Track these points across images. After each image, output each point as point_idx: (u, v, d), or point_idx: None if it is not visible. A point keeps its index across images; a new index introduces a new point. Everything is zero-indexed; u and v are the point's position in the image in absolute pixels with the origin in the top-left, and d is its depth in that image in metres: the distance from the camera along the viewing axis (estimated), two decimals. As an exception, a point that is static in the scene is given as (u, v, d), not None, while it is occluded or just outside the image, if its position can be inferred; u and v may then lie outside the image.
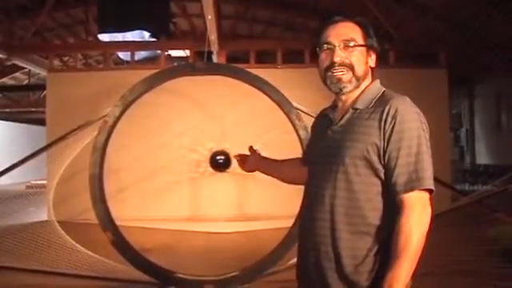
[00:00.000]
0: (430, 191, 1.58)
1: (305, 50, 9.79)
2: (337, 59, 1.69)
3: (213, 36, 8.40)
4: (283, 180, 2.20)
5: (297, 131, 4.56)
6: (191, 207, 9.02)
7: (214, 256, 6.49)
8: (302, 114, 4.79)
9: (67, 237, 5.43)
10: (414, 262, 1.51)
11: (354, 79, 1.71)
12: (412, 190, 1.55)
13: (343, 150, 1.66)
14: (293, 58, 10.14)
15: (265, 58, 10.55)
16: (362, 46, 1.70)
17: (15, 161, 6.02)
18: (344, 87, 1.72)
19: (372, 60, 1.75)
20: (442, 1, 8.94)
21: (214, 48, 9.24)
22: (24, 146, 13.96)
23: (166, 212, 8.72)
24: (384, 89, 1.75)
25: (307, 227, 1.75)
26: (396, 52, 9.86)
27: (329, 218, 1.66)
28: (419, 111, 1.64)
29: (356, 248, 1.61)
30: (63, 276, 4.85)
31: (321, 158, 1.77)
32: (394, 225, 1.54)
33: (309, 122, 4.85)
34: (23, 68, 13.71)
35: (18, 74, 16.13)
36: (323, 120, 1.87)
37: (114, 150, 8.71)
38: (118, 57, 12.75)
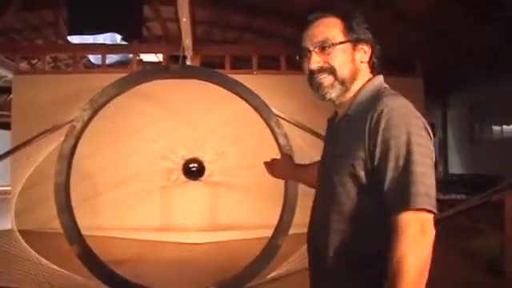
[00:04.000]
0: (429, 210, 1.32)
1: (280, 56, 9.63)
2: (313, 66, 1.52)
3: (187, 40, 8.17)
4: (313, 186, 1.81)
5: (276, 138, 4.37)
6: (163, 216, 8.71)
7: (186, 268, 6.28)
8: (282, 121, 4.61)
9: (29, 248, 5.08)
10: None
11: (336, 83, 1.52)
12: (403, 209, 1.31)
13: (332, 167, 1.50)
14: (268, 64, 9.99)
15: (240, 65, 10.34)
16: (341, 43, 1.50)
17: None
18: (326, 93, 1.53)
19: (364, 54, 1.54)
20: (419, 8, 8.90)
21: (189, 53, 9.01)
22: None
23: (137, 221, 8.41)
24: (383, 87, 1.54)
25: (309, 240, 1.63)
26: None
27: (323, 240, 1.51)
28: (413, 113, 1.41)
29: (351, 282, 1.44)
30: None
31: (320, 173, 1.64)
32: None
33: (288, 129, 4.83)
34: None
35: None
36: (328, 130, 1.71)
37: (84, 156, 8.50)
38: (88, 61, 12.45)
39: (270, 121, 4.39)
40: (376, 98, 1.47)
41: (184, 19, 7.00)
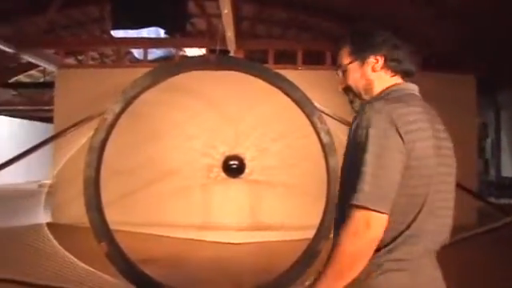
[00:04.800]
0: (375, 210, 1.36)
1: (326, 52, 9.28)
2: (339, 87, 1.74)
3: (229, 33, 7.91)
4: None
5: (318, 135, 4.03)
6: (201, 214, 8.48)
7: (223, 270, 6.03)
8: (325, 117, 4.27)
9: (58, 245, 4.93)
10: (335, 280, 1.38)
11: (355, 98, 1.69)
12: (351, 204, 1.38)
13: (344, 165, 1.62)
14: (312, 60, 9.64)
15: (283, 60, 10.03)
16: (347, 64, 1.68)
17: (28, 159, 5.62)
18: (353, 107, 1.72)
19: (376, 64, 1.62)
20: (472, 5, 8.35)
21: (231, 47, 8.74)
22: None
23: (175, 218, 8.22)
24: (387, 93, 1.59)
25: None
26: (422, 55, 9.25)
27: None
28: (383, 114, 1.43)
29: None
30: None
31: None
32: None
33: (332, 125, 4.51)
34: (38, 66, 13.44)
35: (33, 72, 15.88)
36: None
37: (123, 150, 8.44)
38: (133, 56, 12.42)
39: (312, 116, 4.08)
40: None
41: (225, 11, 6.75)
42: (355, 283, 1.40)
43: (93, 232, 4.09)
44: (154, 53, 11.04)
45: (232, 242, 7.42)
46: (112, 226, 7.45)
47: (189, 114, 8.59)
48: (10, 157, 5.90)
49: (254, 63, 4.53)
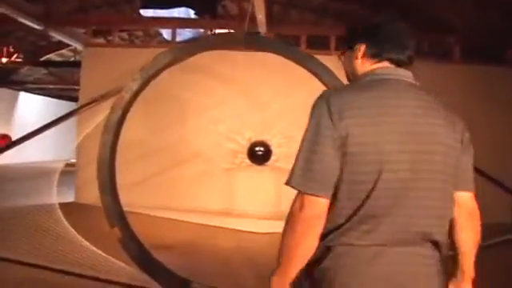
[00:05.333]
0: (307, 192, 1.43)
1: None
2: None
3: (260, 15, 7.62)
4: None
5: None
6: (224, 200, 8.27)
7: (245, 260, 5.75)
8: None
9: (70, 227, 4.75)
10: (284, 264, 1.46)
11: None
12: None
13: None
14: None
15: (316, 47, 9.68)
16: (341, 54, 1.76)
17: (57, 138, 5.47)
18: None
19: (359, 52, 1.64)
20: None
21: (262, 29, 8.44)
22: (68, 123, 13.71)
23: (197, 203, 8.05)
24: (359, 80, 1.63)
25: None
26: (461, 46, 8.99)
27: None
28: (322, 98, 1.50)
29: None
30: (61, 273, 4.17)
31: None
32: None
33: None
34: (69, 45, 13.40)
35: (64, 51, 15.88)
36: None
37: (147, 132, 8.28)
38: (163, 38, 12.24)
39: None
40: None
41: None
42: (309, 266, 1.47)
43: (106, 216, 3.88)
44: (184, 34, 10.81)
45: (255, 231, 7.15)
46: (131, 209, 7.39)
47: (216, 98, 8.39)
48: (39, 136, 5.80)
49: (284, 44, 4.23)
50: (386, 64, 1.59)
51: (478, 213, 1.64)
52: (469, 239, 1.63)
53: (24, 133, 6.41)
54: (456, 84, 8.16)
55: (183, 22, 9.67)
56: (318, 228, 1.43)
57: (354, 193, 1.42)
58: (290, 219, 1.43)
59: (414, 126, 1.46)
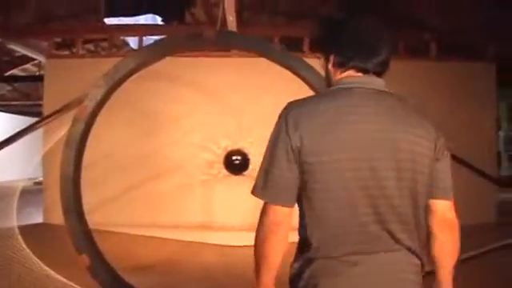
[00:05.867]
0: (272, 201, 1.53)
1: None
2: None
3: (231, 17, 7.26)
4: None
5: None
6: (202, 214, 7.83)
7: (227, 275, 5.50)
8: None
9: (31, 255, 4.30)
10: (257, 266, 1.56)
11: None
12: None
13: None
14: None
15: (289, 49, 9.39)
16: (321, 60, 1.73)
17: (23, 156, 5.03)
18: None
19: (328, 63, 1.66)
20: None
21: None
22: (35, 139, 13.16)
23: (174, 218, 7.60)
24: (329, 88, 1.67)
25: None
26: (438, 43, 8.70)
27: None
28: (285, 109, 1.56)
29: None
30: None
31: None
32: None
33: None
34: (34, 59, 12.88)
35: (28, 66, 15.27)
36: None
37: (116, 146, 7.84)
38: (129, 48, 11.82)
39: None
40: None
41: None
42: (293, 278, 1.56)
43: (72, 241, 3.45)
44: (149, 41, 10.42)
45: (235, 244, 6.78)
46: (104, 228, 7.00)
47: (187, 106, 7.99)
48: (4, 154, 5.35)
49: (259, 40, 3.89)
50: (351, 73, 1.59)
51: (456, 222, 1.61)
52: (446, 252, 1.60)
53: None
54: (433, 81, 7.96)
55: (150, 29, 9.26)
56: (280, 233, 1.51)
57: (316, 201, 1.47)
58: (257, 225, 1.54)
59: (374, 133, 1.46)
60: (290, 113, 1.50)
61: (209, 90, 8.01)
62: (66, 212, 3.46)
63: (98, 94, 3.53)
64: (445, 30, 8.63)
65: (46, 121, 4.66)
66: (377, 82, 1.55)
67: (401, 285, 1.48)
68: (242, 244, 6.66)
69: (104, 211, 7.44)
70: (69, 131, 3.57)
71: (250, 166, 7.77)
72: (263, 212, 1.53)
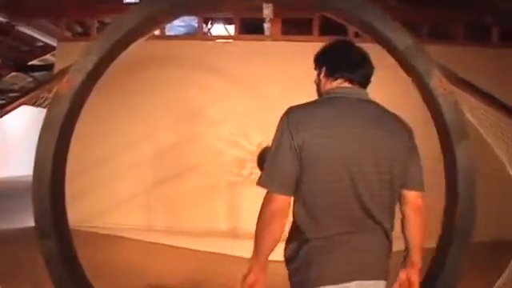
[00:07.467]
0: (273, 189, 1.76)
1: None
2: None
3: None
4: None
5: (438, 108, 2.29)
6: (229, 221, 6.91)
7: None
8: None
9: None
10: (257, 247, 1.77)
11: None
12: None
13: None
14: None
15: (330, 32, 8.31)
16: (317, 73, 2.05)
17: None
18: None
19: (321, 75, 1.99)
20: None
21: (268, 13, 7.10)
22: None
23: (196, 225, 6.71)
24: (320, 97, 1.99)
25: None
26: (501, 27, 7.73)
27: None
28: (287, 113, 1.80)
29: None
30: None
31: None
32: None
33: None
34: (54, 48, 12.20)
35: (48, 57, 14.63)
36: None
37: (132, 141, 6.91)
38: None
39: (428, 77, 2.32)
40: None
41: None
42: (290, 258, 1.82)
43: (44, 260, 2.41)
44: (175, 29, 9.44)
45: (271, 258, 5.71)
46: (114, 233, 6.24)
47: (214, 95, 7.10)
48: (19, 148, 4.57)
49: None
50: (339, 82, 1.90)
51: (424, 209, 1.91)
52: (416, 234, 1.91)
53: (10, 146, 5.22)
54: (493, 69, 6.91)
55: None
56: (280, 218, 1.75)
57: (311, 191, 1.74)
58: (260, 211, 1.76)
59: (359, 135, 1.75)
60: (291, 117, 1.78)
61: (240, 77, 7.10)
62: (40, 230, 2.42)
63: (87, 62, 2.49)
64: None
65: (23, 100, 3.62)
66: (361, 92, 1.88)
67: (379, 257, 1.80)
68: (273, 258, 5.64)
69: (115, 215, 6.78)
70: (48, 112, 2.54)
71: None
72: (266, 200, 1.75)
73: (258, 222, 1.75)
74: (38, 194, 2.45)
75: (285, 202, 1.74)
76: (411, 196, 1.88)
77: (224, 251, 5.95)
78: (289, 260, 1.81)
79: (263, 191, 1.84)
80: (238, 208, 6.87)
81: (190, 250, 6.06)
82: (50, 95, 2.96)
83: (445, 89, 2.35)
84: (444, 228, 2.64)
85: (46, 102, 3.21)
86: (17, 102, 3.30)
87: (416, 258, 1.93)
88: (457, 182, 2.40)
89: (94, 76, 2.57)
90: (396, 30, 2.47)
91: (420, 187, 1.89)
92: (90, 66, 2.53)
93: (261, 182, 1.77)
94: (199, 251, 6.03)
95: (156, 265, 5.38)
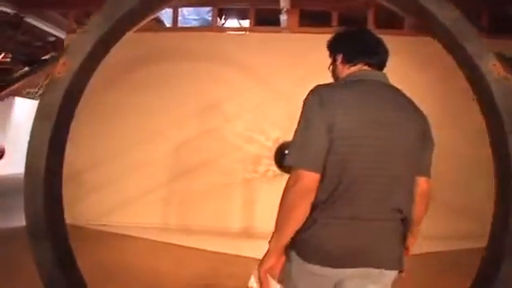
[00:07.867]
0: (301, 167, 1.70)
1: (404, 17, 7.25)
2: None
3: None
4: None
5: (490, 95, 2.00)
6: (244, 221, 6.61)
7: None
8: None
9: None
10: (280, 230, 1.71)
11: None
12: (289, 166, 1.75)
13: None
14: (389, 24, 7.59)
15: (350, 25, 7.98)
16: (330, 64, 2.06)
17: None
18: None
19: (338, 61, 2.00)
20: None
21: (285, 4, 6.79)
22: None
23: (210, 223, 6.47)
24: (339, 81, 1.98)
25: None
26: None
27: None
28: (313, 91, 1.79)
29: None
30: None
31: None
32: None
33: None
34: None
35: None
36: None
37: (143, 136, 6.67)
38: (161, 23, 10.69)
39: (479, 59, 2.03)
40: None
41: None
42: (296, 236, 1.72)
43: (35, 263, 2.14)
44: (188, 21, 9.20)
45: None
46: (123, 232, 6.17)
47: (229, 88, 6.81)
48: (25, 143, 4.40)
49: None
50: (359, 67, 1.92)
51: (429, 193, 1.95)
52: (418, 213, 1.94)
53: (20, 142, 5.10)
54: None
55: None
56: (308, 199, 1.69)
57: (337, 171, 1.69)
58: (285, 192, 1.69)
59: (383, 117, 1.76)
60: (322, 95, 1.75)
61: (256, 70, 6.81)
62: (31, 230, 2.15)
63: (85, 43, 2.20)
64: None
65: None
66: (381, 76, 1.92)
67: (391, 245, 1.77)
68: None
69: (127, 213, 6.60)
70: (42, 98, 2.27)
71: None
72: (293, 180, 1.68)
73: (281, 204, 1.69)
74: (30, 190, 2.18)
75: (314, 180, 1.68)
76: (421, 181, 1.91)
77: (237, 252, 5.69)
78: (297, 235, 1.72)
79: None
80: (254, 206, 6.60)
81: (202, 250, 5.76)
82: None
83: (499, 74, 2.04)
84: (494, 230, 2.32)
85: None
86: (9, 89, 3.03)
87: (415, 230, 1.99)
88: (510, 179, 2.09)
89: (93, 57, 2.29)
90: (442, 4, 2.15)
91: (429, 173, 1.94)
92: (88, 47, 2.25)
93: (291, 160, 1.70)
94: (211, 252, 5.74)
95: (166, 266, 5.13)
